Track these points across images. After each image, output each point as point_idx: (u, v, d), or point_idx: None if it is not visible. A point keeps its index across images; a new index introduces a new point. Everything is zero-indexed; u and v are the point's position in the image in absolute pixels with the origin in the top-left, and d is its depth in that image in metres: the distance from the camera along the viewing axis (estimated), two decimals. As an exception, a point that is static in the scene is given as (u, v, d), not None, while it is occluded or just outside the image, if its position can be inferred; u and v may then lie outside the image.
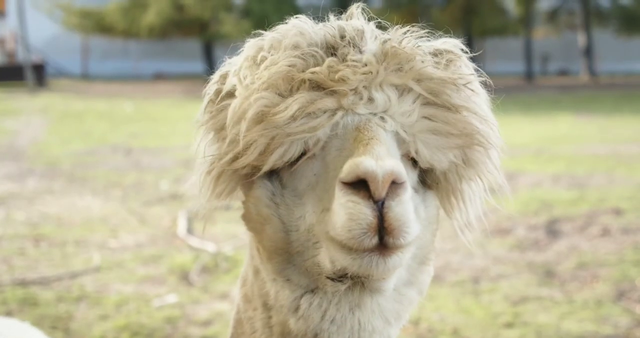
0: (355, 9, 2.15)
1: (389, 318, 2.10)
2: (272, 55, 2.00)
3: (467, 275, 8.53)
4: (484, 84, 2.16)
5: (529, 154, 18.46)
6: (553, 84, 55.23)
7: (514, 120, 26.22)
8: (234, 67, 2.09)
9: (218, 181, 2.11)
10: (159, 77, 58.31)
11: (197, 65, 52.63)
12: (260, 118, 1.91)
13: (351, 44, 2.01)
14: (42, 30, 57.98)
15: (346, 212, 1.78)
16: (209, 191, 2.13)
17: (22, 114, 29.04)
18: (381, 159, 1.77)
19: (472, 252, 9.27)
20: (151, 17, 53.35)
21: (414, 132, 1.97)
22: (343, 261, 1.86)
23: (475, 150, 2.08)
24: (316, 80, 1.93)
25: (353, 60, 1.96)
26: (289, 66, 1.95)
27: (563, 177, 15.11)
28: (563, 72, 69.16)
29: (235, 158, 1.99)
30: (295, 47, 2.00)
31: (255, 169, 2.01)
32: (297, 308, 2.05)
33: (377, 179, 1.76)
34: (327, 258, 1.93)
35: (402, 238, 1.79)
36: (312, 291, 2.04)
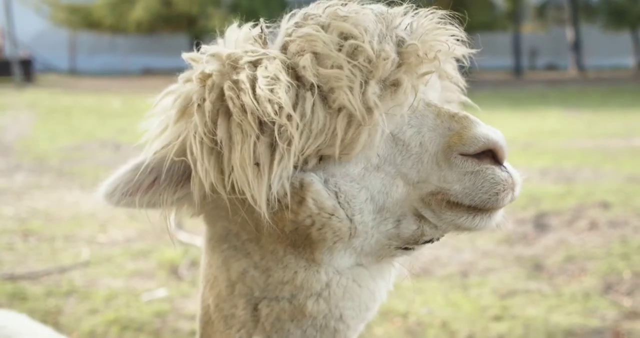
0: None
1: (389, 284, 2.31)
2: (359, 41, 1.98)
3: (456, 269, 8.57)
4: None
5: (517, 148, 18.52)
6: (541, 79, 55.37)
7: (502, 114, 26.27)
8: (305, 59, 1.96)
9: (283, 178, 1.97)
10: (147, 72, 58.15)
11: (185, 61, 52.24)
12: (373, 108, 1.92)
13: (408, 29, 2.09)
14: (29, 26, 57.75)
15: (487, 178, 1.99)
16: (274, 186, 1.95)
17: (10, 109, 28.92)
18: (494, 130, 2.03)
19: (461, 246, 9.31)
20: (139, 12, 53.20)
21: (437, 103, 2.14)
22: (466, 223, 2.03)
23: None
24: (409, 64, 1.99)
25: (422, 43, 2.05)
26: (383, 51, 1.97)
27: (551, 171, 15.17)
28: (551, 67, 69.33)
29: (342, 150, 1.96)
30: (376, 33, 2.02)
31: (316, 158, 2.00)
32: (323, 290, 2.13)
33: (504, 147, 2.01)
34: (419, 227, 2.06)
35: (517, 191, 2.04)
36: (339, 272, 2.13)
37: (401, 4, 2.19)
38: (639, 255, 8.91)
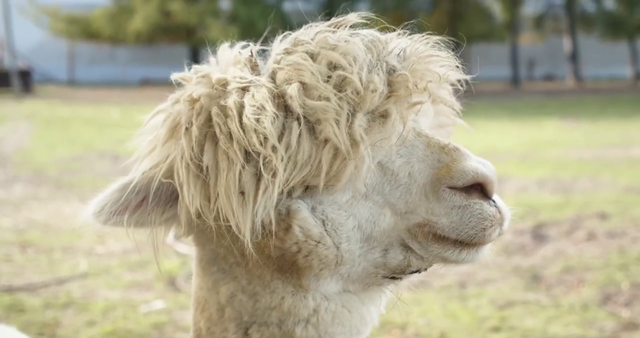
0: (353, 17, 2.17)
1: (381, 308, 2.29)
2: (348, 72, 1.96)
3: (454, 279, 8.56)
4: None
5: (515, 158, 18.55)
6: (539, 89, 55.50)
7: (500, 125, 26.30)
8: (292, 88, 1.94)
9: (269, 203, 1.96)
10: (146, 82, 58.24)
11: (184, 71, 52.24)
12: (359, 141, 1.91)
13: (400, 56, 2.07)
14: (28, 37, 57.86)
15: (474, 214, 1.96)
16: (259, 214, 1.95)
17: (8, 120, 28.94)
18: (483, 163, 1.98)
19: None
20: (138, 23, 53.34)
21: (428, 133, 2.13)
22: (452, 256, 2.03)
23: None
24: (397, 96, 1.97)
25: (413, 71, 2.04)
26: (372, 83, 1.95)
27: (549, 181, 15.18)
28: (549, 77, 69.53)
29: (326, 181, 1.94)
30: (366, 63, 1.99)
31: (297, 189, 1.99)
32: (311, 316, 2.12)
33: (493, 181, 1.98)
34: (405, 257, 2.06)
35: (506, 226, 2.03)
36: (327, 298, 2.12)
37: (394, 30, 2.19)
38: (637, 266, 8.91)
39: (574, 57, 63.14)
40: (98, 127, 26.80)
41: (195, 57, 54.65)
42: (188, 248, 9.49)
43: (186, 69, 2.27)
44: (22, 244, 10.22)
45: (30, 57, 54.52)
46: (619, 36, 63.60)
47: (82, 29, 57.24)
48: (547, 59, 70.94)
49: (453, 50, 2.19)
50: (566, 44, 64.01)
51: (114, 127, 26.30)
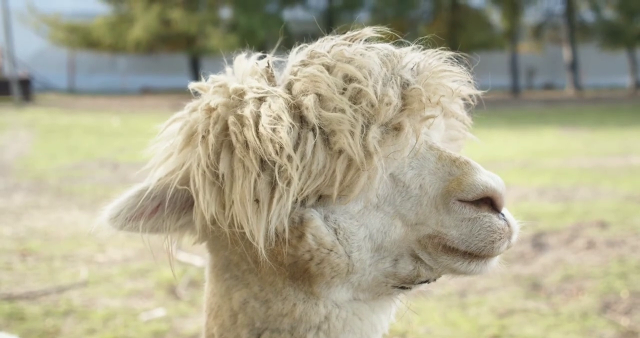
0: (368, 31, 2.21)
1: (391, 317, 2.34)
2: (363, 85, 2.00)
3: (454, 288, 8.56)
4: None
5: (515, 167, 18.55)
6: (539, 98, 55.52)
7: (500, 133, 26.33)
8: (308, 99, 1.98)
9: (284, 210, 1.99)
10: (145, 91, 58.23)
11: (184, 80, 52.07)
12: (372, 153, 1.94)
13: (414, 71, 2.11)
14: (28, 45, 57.91)
15: (484, 226, 2.00)
16: (273, 220, 1.98)
17: (8, 128, 28.94)
18: (493, 177, 2.02)
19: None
20: (138, 31, 53.32)
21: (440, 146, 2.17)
22: (461, 268, 2.07)
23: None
24: (411, 109, 2.01)
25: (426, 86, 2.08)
26: (386, 96, 1.99)
27: (549, 190, 15.19)
28: (548, 86, 69.56)
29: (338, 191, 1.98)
30: (381, 77, 2.03)
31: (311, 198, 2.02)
32: (322, 323, 2.16)
33: (503, 195, 2.02)
34: (415, 268, 2.09)
35: (514, 239, 2.07)
36: (338, 305, 2.16)
37: (408, 44, 2.22)
38: (637, 275, 8.92)
39: (573, 66, 63.19)
40: (98, 135, 26.79)
41: (195, 66, 54.63)
42: (188, 256, 9.51)
43: (189, 77, 2.30)
44: (22, 252, 10.22)
45: (31, 65, 54.45)
46: (618, 45, 63.62)
47: (83, 38, 57.19)
48: (547, 68, 70.98)
49: (457, 59, 2.22)
50: (566, 53, 64.06)
51: (114, 136, 26.31)
